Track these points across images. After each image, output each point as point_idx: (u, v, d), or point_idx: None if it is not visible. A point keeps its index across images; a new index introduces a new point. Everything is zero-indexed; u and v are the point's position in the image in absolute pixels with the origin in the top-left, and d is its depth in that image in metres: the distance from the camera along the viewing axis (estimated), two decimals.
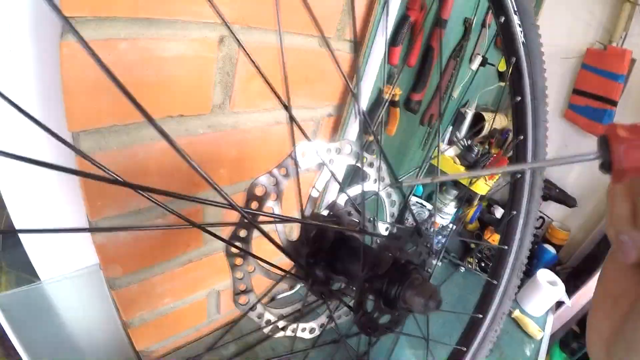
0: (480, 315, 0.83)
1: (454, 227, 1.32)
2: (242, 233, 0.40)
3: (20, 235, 0.56)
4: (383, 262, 0.36)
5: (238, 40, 0.26)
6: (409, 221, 1.16)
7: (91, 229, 0.56)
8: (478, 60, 1.06)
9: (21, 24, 0.43)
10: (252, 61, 0.31)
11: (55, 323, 0.64)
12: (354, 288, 0.47)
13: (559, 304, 1.28)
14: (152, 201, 0.26)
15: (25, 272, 0.59)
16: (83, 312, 0.66)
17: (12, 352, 0.60)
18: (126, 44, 0.44)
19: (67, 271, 0.62)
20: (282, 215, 0.30)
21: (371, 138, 0.78)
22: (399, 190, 0.44)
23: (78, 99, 0.43)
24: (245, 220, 0.34)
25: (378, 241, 0.51)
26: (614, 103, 1.31)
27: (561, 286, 1.19)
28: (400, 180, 0.42)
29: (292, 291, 0.95)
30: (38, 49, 0.45)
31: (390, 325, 0.41)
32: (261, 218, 0.37)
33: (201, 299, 0.77)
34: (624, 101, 1.31)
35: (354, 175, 0.77)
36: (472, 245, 1.32)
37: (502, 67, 1.27)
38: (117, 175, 0.24)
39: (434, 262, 1.27)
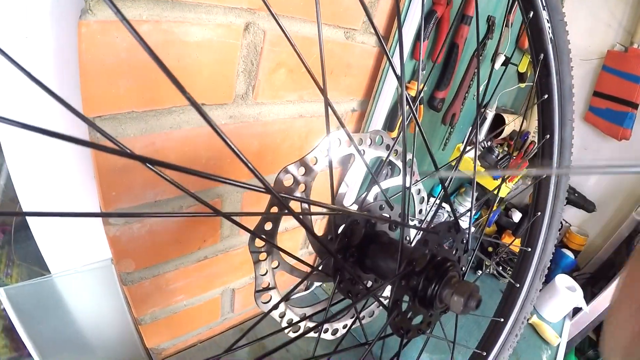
0: (502, 319, 0.80)
1: (474, 229, 1.29)
2: (268, 226, 0.38)
3: (32, 228, 0.54)
4: (420, 258, 0.34)
5: (282, 27, 0.23)
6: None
7: (103, 214, 0.54)
8: (501, 59, 1.03)
9: (40, 8, 0.41)
10: (293, 46, 0.28)
11: (65, 318, 0.63)
12: (383, 286, 0.44)
13: (576, 310, 1.25)
14: (162, 176, 0.22)
15: (37, 266, 0.58)
16: (93, 307, 0.65)
17: (21, 345, 0.59)
18: (148, 25, 0.42)
19: (78, 265, 0.60)
20: (316, 201, 0.27)
21: (392, 134, 0.76)
22: (439, 181, 0.41)
23: (96, 82, 0.41)
24: (277, 207, 0.32)
25: (408, 238, 0.49)
26: (635, 106, 1.28)
27: (579, 292, 1.16)
28: (439, 169, 0.39)
29: (307, 291, 0.92)
30: (56, 32, 0.43)
31: (422, 327, 0.38)
32: (294, 207, 0.34)
33: (215, 297, 0.75)
34: None
35: (381, 169, 0.74)
36: (490, 249, 1.28)
37: (522, 68, 1.24)
38: (127, 148, 0.20)
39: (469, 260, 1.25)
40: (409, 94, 0.76)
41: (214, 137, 0.55)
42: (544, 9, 0.59)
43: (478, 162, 1.10)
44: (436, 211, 0.44)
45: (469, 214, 1.22)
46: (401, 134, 0.35)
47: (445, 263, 0.35)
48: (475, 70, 0.96)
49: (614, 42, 1.37)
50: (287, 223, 0.76)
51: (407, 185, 0.46)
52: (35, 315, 0.59)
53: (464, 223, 1.21)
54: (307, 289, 0.91)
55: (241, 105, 0.54)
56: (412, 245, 0.40)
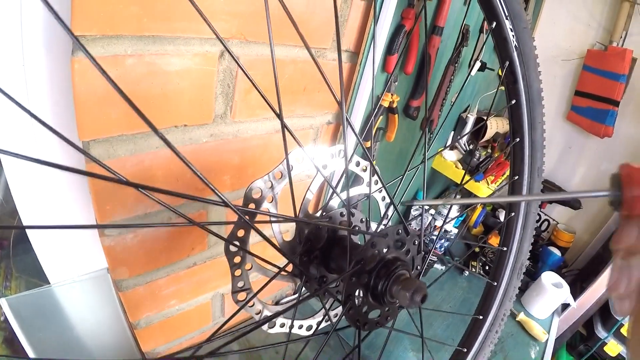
0: (481, 317, 0.84)
1: (457, 231, 1.33)
2: (240, 233, 0.42)
3: (31, 240, 0.58)
4: (370, 258, 0.39)
5: (232, 55, 0.29)
6: (412, 225, 1.17)
7: (98, 226, 0.59)
8: (477, 65, 1.08)
9: (35, 42, 0.47)
10: (245, 73, 0.34)
11: (64, 325, 0.66)
12: (334, 282, 0.49)
13: (565, 306, 1.28)
14: (154, 200, 0.28)
15: (35, 278, 0.61)
16: (91, 314, 0.69)
17: (21, 353, 0.63)
18: (132, 59, 0.47)
19: (76, 275, 0.64)
20: (276, 214, 0.32)
21: (368, 144, 0.80)
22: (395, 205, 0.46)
23: (89, 110, 0.46)
24: (242, 220, 0.36)
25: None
26: (615, 103, 1.31)
27: (566, 288, 1.19)
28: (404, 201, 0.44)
29: (296, 295, 0.97)
30: (50, 64, 0.49)
31: (381, 320, 0.43)
32: (258, 218, 0.39)
33: (206, 302, 0.79)
34: (625, 101, 1.31)
35: (351, 179, 0.79)
36: (476, 249, 1.32)
37: (501, 71, 1.28)
38: (121, 176, 0.26)
39: (439, 266, 1.28)
40: (382, 105, 0.81)
41: (197, 154, 0.61)
42: (506, 19, 0.62)
43: (460, 165, 1.14)
44: (386, 215, 0.48)
45: (452, 219, 1.26)
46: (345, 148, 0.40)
47: (395, 262, 0.40)
48: (452, 77, 1.01)
49: (594, 42, 1.40)
50: (269, 232, 0.80)
51: (370, 192, 0.51)
52: (35, 324, 0.62)
53: (447, 225, 1.25)
54: (295, 292, 0.96)
55: (220, 124, 0.59)
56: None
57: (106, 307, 0.69)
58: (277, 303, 0.96)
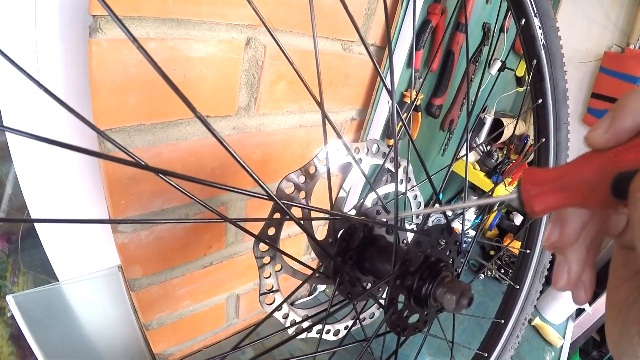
0: (502, 321, 0.81)
1: (475, 233, 1.30)
2: (271, 231, 0.40)
3: (40, 235, 0.56)
4: (414, 259, 0.36)
5: (276, 41, 0.26)
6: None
7: (111, 220, 0.56)
8: (497, 65, 1.05)
9: (49, 26, 0.44)
10: (288, 58, 0.31)
11: (72, 324, 0.64)
12: (381, 288, 0.46)
13: (579, 311, 1.26)
14: (174, 186, 0.25)
15: (43, 274, 0.59)
16: (100, 314, 0.66)
17: (27, 353, 0.61)
18: (155, 43, 0.44)
19: (86, 273, 0.62)
20: (316, 207, 0.29)
21: (391, 142, 0.78)
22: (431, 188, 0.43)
23: (106, 97, 0.44)
24: (279, 213, 0.34)
25: (405, 242, 0.51)
26: None
27: None
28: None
29: (311, 297, 0.94)
30: (65, 49, 0.46)
31: (419, 325, 0.40)
32: (295, 212, 0.36)
33: (220, 303, 0.76)
34: None
35: (379, 176, 0.76)
36: (492, 252, 1.30)
37: (520, 72, 1.26)
38: (139, 159, 0.23)
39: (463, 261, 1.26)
40: (406, 102, 0.78)
41: (219, 147, 0.58)
42: (535, 16, 0.61)
43: (477, 166, 1.12)
44: (428, 215, 0.45)
45: (464, 217, 1.24)
46: (393, 144, 0.37)
47: (438, 264, 0.37)
48: (473, 76, 0.98)
49: (611, 44, 1.38)
50: (290, 230, 0.78)
51: (403, 190, 0.48)
52: (43, 322, 0.60)
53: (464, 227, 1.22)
54: (310, 294, 0.93)
55: (244, 116, 0.56)
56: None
57: (117, 306, 0.66)
58: (291, 304, 0.93)
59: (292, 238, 0.81)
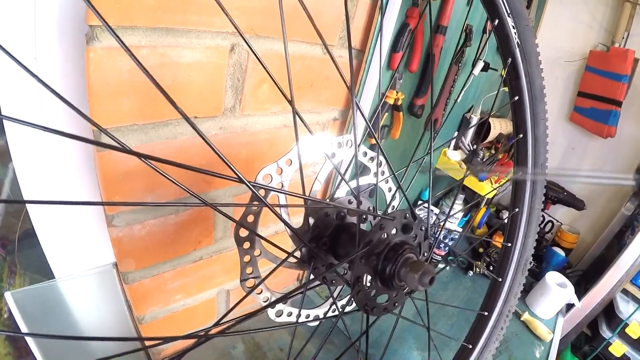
0: (486, 313, 0.84)
1: (462, 230, 1.33)
2: (250, 219, 0.43)
3: (38, 234, 0.58)
4: (378, 241, 0.39)
5: (250, 47, 0.29)
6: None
7: (104, 203, 0.58)
8: (480, 65, 1.09)
9: (48, 34, 0.48)
10: (260, 61, 0.35)
11: (68, 320, 0.66)
12: (343, 263, 0.49)
13: (570, 306, 1.28)
14: (160, 173, 0.28)
15: (39, 274, 0.62)
16: (95, 310, 0.69)
17: (23, 352, 0.63)
18: (146, 50, 0.48)
19: (81, 270, 0.64)
20: (288, 191, 0.33)
21: (373, 141, 0.81)
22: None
23: (102, 100, 0.48)
24: (255, 200, 0.37)
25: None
26: (618, 104, 1.31)
27: (570, 288, 1.19)
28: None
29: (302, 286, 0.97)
30: (63, 56, 0.50)
31: (388, 306, 0.43)
32: (270, 202, 0.40)
33: (211, 297, 0.80)
34: (628, 101, 1.32)
35: (348, 168, 0.80)
36: (481, 249, 1.32)
37: (504, 72, 1.29)
38: (125, 145, 0.26)
39: (444, 266, 1.28)
40: (387, 102, 0.82)
41: (205, 146, 0.61)
42: (508, 16, 0.63)
43: (464, 165, 1.15)
44: (391, 200, 0.49)
45: (457, 218, 1.26)
46: (353, 139, 0.41)
47: (402, 245, 0.40)
48: (456, 77, 1.02)
49: (596, 43, 1.41)
50: (277, 227, 0.81)
51: (375, 183, 0.52)
52: (40, 318, 0.62)
53: (452, 225, 1.25)
54: (301, 284, 0.96)
55: (229, 117, 0.60)
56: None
57: (111, 302, 0.69)
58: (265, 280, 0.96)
59: (280, 235, 0.84)
